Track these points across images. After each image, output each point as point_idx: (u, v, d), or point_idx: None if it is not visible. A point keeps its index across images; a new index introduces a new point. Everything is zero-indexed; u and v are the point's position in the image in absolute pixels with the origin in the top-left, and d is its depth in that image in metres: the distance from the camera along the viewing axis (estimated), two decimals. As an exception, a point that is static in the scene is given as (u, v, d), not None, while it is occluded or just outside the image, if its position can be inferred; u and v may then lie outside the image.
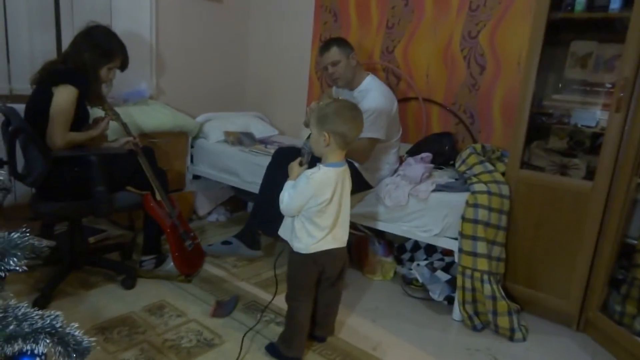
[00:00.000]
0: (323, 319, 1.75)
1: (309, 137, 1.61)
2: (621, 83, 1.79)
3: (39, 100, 1.90)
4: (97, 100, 2.10)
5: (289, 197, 1.55)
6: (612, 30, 1.97)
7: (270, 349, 1.68)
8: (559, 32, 2.12)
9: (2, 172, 1.23)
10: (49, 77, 1.91)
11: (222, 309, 1.92)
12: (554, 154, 2.12)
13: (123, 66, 2.09)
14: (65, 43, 2.63)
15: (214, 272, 2.31)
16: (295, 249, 1.60)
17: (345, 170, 1.60)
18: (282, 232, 1.68)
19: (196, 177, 3.16)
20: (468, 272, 1.97)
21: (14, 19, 2.43)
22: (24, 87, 2.50)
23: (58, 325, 0.99)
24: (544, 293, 2.06)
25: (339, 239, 1.62)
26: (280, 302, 1.79)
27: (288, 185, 1.59)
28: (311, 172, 1.54)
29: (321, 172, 1.53)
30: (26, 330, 0.96)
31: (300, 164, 1.61)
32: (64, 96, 1.86)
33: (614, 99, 1.82)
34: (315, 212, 1.54)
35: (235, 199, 3.34)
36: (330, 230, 1.58)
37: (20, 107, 1.99)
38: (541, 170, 2.09)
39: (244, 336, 1.74)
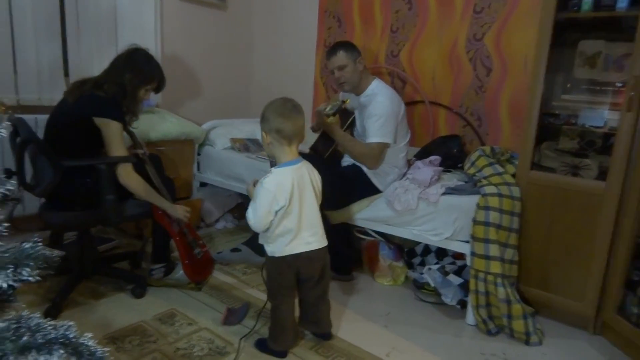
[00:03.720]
0: (315, 316, 1.77)
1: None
2: (632, 82, 1.77)
3: (71, 116, 1.91)
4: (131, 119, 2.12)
5: (252, 211, 1.55)
6: (620, 29, 1.96)
7: (259, 343, 1.74)
8: (565, 32, 2.10)
9: (12, 182, 1.23)
10: (89, 104, 1.91)
11: (233, 316, 1.91)
12: (565, 154, 2.10)
13: (159, 88, 2.13)
14: (71, 52, 2.67)
15: (224, 280, 2.30)
16: (268, 253, 1.63)
17: (300, 167, 1.59)
18: (260, 238, 1.68)
19: (203, 185, 3.16)
20: (481, 275, 1.95)
21: (21, 30, 2.44)
22: (32, 97, 2.52)
23: (71, 336, 0.98)
24: (558, 295, 2.03)
25: (310, 242, 1.61)
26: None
27: (251, 205, 1.59)
28: (263, 179, 1.54)
29: (272, 175, 1.54)
30: (40, 341, 0.95)
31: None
32: (113, 131, 1.91)
33: (625, 98, 1.80)
34: (281, 215, 1.54)
35: (243, 206, 3.33)
36: (296, 233, 1.57)
37: (29, 118, 2.00)
38: (552, 171, 2.07)
39: (241, 339, 1.76)
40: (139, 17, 2.96)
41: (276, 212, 1.55)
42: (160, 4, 3.03)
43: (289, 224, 1.56)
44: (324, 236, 1.68)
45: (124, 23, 2.90)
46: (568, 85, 2.20)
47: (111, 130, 1.91)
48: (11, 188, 1.21)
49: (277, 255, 1.61)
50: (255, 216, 1.55)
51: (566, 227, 1.98)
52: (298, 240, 1.58)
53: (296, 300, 1.74)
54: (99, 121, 1.90)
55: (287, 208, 1.54)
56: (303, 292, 1.72)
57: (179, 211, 2.08)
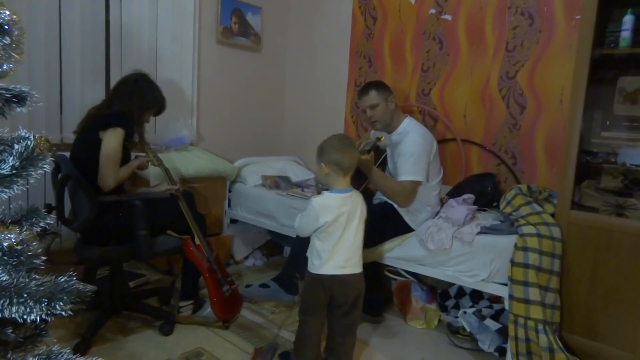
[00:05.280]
0: (339, 347, 1.77)
1: None
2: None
3: (87, 147, 1.98)
4: (140, 143, 2.20)
5: (298, 219, 1.75)
6: (661, 65, 1.91)
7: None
8: (602, 68, 2.07)
9: (51, 216, 1.26)
10: (95, 123, 2.00)
11: (261, 357, 1.86)
12: (608, 193, 2.00)
13: (159, 112, 2.24)
14: (114, 94, 2.77)
15: (252, 318, 2.26)
16: (308, 267, 1.74)
17: (351, 196, 1.73)
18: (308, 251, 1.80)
19: (233, 221, 3.18)
20: (521, 320, 1.84)
21: (68, 73, 2.59)
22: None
23: (100, 373, 0.96)
24: (606, 345, 1.89)
25: (343, 267, 1.69)
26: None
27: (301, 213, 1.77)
28: (315, 197, 1.72)
29: (323, 197, 1.71)
30: (68, 377, 0.94)
31: (318, 193, 1.79)
32: (112, 138, 1.96)
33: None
34: (320, 233, 1.68)
35: (272, 243, 3.32)
36: (330, 255, 1.67)
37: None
38: (594, 211, 1.98)
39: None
40: (178, 60, 3.10)
41: (317, 229, 1.68)
42: (198, 48, 3.17)
43: (326, 245, 1.68)
44: (360, 263, 1.75)
45: (163, 65, 3.04)
46: (607, 123, 2.13)
47: (109, 139, 1.94)
48: (50, 222, 1.24)
49: (313, 271, 1.71)
50: (299, 223, 1.74)
51: (612, 271, 1.86)
52: (332, 262, 1.68)
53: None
54: (102, 134, 1.95)
55: (327, 228, 1.66)
56: (333, 319, 1.75)
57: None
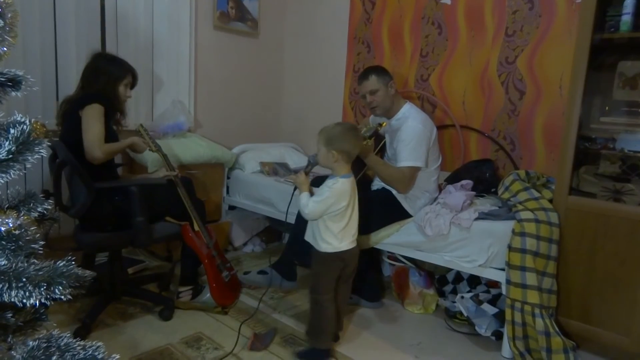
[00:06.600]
0: (340, 305, 1.93)
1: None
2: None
3: (73, 130, 1.97)
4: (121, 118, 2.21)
5: (314, 204, 1.79)
6: (661, 50, 1.89)
7: (302, 354, 1.85)
8: (602, 53, 2.05)
9: (49, 202, 1.26)
10: (72, 106, 2.00)
11: (260, 342, 1.88)
12: (606, 179, 2.01)
13: (133, 83, 2.21)
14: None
15: (251, 304, 2.27)
16: (322, 249, 1.82)
17: (353, 180, 1.86)
18: (307, 236, 1.90)
19: (232, 208, 3.18)
20: (518, 305, 1.86)
21: (64, 57, 2.56)
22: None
23: (99, 357, 0.97)
24: (601, 329, 1.91)
25: (353, 241, 1.87)
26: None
27: (304, 196, 1.82)
28: (332, 183, 1.79)
29: (340, 183, 1.79)
30: (69, 361, 0.95)
31: (306, 174, 1.89)
32: (90, 113, 1.95)
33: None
34: (335, 216, 1.79)
35: (270, 230, 3.32)
36: (345, 233, 1.82)
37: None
38: (592, 197, 1.98)
39: (240, 326, 1.98)
40: (174, 45, 3.06)
41: (335, 212, 1.78)
42: (194, 33, 3.14)
43: (342, 224, 1.81)
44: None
45: (160, 51, 3.01)
46: (607, 108, 2.12)
47: (88, 113, 1.94)
48: (48, 208, 1.24)
49: (330, 251, 1.81)
50: (316, 209, 1.78)
51: (609, 256, 1.87)
52: (346, 239, 1.83)
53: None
54: (82, 113, 1.95)
55: (344, 211, 1.80)
56: (340, 287, 1.89)
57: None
